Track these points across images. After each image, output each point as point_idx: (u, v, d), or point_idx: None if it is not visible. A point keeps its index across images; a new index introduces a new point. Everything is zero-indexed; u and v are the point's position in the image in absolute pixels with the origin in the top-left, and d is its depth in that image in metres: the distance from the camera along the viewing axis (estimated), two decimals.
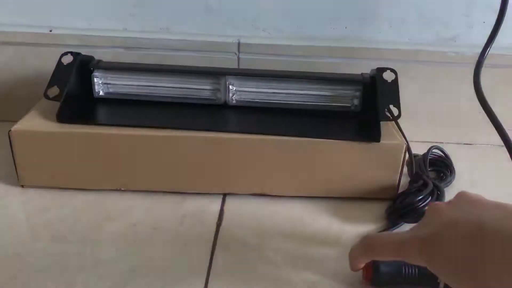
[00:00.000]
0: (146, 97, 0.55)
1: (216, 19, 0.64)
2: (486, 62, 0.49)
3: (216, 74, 0.55)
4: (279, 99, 0.55)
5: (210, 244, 0.44)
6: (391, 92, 0.52)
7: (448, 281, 0.30)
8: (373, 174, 0.50)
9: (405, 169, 0.52)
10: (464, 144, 0.67)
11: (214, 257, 0.43)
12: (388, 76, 0.53)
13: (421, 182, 0.50)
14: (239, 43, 0.62)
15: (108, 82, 0.55)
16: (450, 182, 0.55)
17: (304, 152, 0.49)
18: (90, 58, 0.56)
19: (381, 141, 0.49)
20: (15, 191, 0.51)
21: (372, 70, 0.55)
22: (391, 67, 0.54)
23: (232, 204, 0.51)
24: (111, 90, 0.55)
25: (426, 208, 0.39)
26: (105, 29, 0.64)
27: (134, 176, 0.51)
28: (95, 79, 0.54)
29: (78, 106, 0.52)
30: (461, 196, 0.34)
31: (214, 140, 0.49)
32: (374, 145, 0.49)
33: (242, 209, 0.50)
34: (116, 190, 0.51)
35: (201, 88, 0.55)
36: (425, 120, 0.65)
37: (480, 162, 0.63)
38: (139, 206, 0.50)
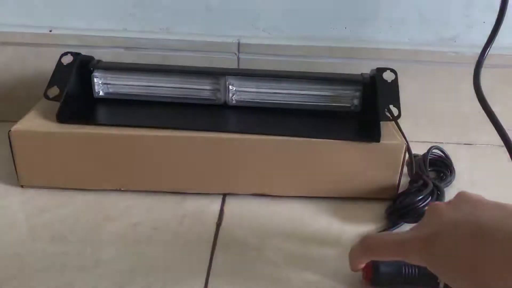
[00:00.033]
0: (146, 97, 0.55)
1: (216, 19, 0.64)
2: (486, 62, 0.49)
3: (216, 74, 0.55)
4: (279, 99, 0.55)
5: (210, 244, 0.44)
6: (391, 92, 0.52)
7: (448, 281, 0.30)
8: (373, 174, 0.50)
9: (405, 169, 0.52)
10: (464, 144, 0.67)
11: (214, 257, 0.43)
12: (388, 76, 0.53)
13: (421, 182, 0.50)
14: (239, 43, 0.62)
15: (108, 82, 0.55)
16: (450, 182, 0.55)
17: (304, 152, 0.49)
18: (90, 58, 0.56)
19: (381, 141, 0.49)
20: (15, 191, 0.51)
21: (372, 70, 0.55)
22: (391, 67, 0.54)
23: (232, 204, 0.51)
24: (111, 90, 0.55)
25: (426, 208, 0.38)
26: (105, 29, 0.64)
27: (134, 176, 0.51)
28: (95, 79, 0.54)
29: (78, 106, 0.52)
30: (461, 196, 0.34)
31: (214, 140, 0.49)
32: (374, 145, 0.49)
33: (242, 209, 0.50)
34: (116, 190, 0.51)
35: (201, 88, 0.55)
36: (425, 120, 0.65)
37: (480, 162, 0.63)
38: (139, 206, 0.50)
